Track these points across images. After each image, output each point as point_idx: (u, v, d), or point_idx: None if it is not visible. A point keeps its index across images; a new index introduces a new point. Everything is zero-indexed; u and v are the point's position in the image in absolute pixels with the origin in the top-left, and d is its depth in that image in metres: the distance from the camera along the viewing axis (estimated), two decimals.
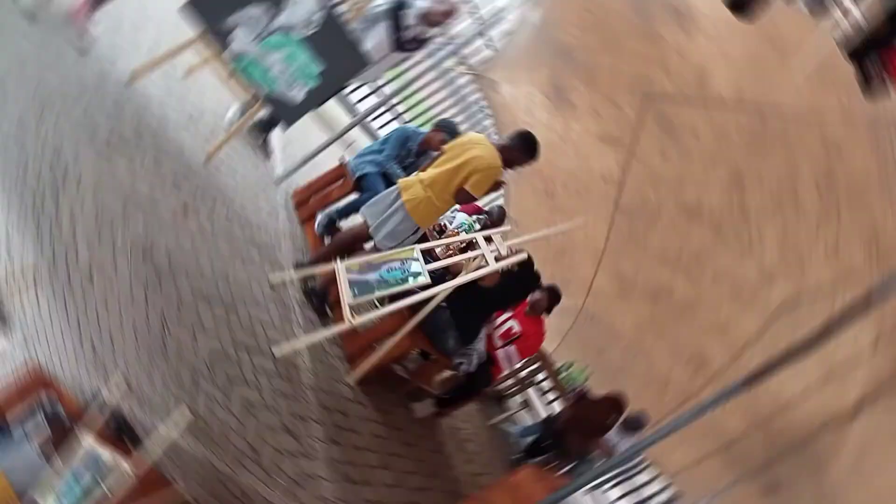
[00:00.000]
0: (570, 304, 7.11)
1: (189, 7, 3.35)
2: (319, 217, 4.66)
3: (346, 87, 4.63)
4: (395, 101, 7.65)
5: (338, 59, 3.75)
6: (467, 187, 3.69)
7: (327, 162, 5.00)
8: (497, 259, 3.50)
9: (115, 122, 3.06)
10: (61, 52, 3.02)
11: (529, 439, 6.88)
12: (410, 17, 4.35)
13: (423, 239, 3.80)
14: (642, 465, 7.71)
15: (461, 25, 6.08)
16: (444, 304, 3.69)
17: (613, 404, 6.12)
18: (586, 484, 3.13)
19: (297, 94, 3.73)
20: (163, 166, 3.22)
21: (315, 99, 3.81)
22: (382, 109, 7.67)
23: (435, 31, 4.51)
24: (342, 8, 4.12)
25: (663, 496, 7.43)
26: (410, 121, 8.99)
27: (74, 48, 3.08)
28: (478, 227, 5.20)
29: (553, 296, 4.83)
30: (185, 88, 4.07)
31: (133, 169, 2.94)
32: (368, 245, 4.12)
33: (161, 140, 3.35)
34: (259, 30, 3.48)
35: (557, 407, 8.36)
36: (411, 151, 4.74)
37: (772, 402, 3.70)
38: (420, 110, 9.18)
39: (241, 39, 3.47)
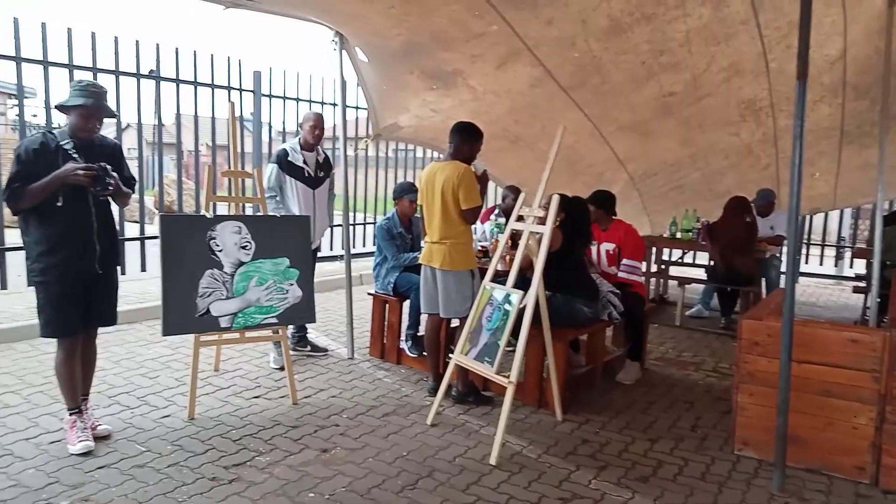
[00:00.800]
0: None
1: (169, 328, 3.46)
2: (403, 345, 4.68)
3: (316, 250, 4.70)
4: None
5: (288, 238, 3.83)
6: (463, 207, 3.68)
7: (365, 306, 5.04)
8: (542, 222, 3.44)
9: (220, 451, 3.12)
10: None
11: (713, 301, 6.66)
12: (297, 158, 4.44)
13: (483, 273, 3.77)
14: None
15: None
16: (548, 292, 3.62)
17: (737, 207, 5.91)
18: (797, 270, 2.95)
19: (294, 293, 3.79)
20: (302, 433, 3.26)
21: (308, 283, 3.87)
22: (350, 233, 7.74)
23: (319, 144, 4.58)
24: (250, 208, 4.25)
25: None
26: (375, 216, 9.12)
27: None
28: (502, 219, 5.17)
29: (602, 199, 4.72)
30: (232, 379, 4.15)
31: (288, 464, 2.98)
32: (455, 322, 4.10)
33: (264, 421, 3.40)
34: (222, 287, 3.57)
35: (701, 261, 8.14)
36: (402, 234, 4.77)
37: None
38: (371, 203, 9.30)
39: (220, 307, 3.56)
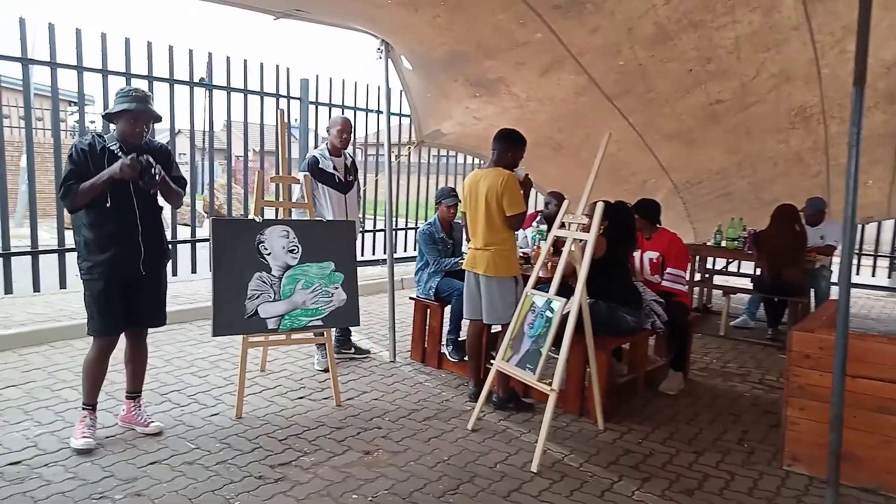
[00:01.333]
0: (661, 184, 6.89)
1: (219, 329, 3.56)
2: (444, 349, 4.70)
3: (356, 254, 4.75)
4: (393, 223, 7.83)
5: (334, 242, 3.90)
6: (508, 213, 3.69)
7: (407, 310, 5.10)
8: (586, 229, 3.43)
9: (266, 450, 3.19)
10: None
11: (759, 311, 6.51)
12: (327, 165, 4.49)
13: (525, 279, 3.77)
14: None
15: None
16: (591, 300, 3.60)
17: (785, 215, 5.77)
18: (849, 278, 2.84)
19: (339, 296, 3.86)
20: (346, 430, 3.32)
21: (352, 287, 3.94)
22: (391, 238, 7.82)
23: (346, 150, 4.63)
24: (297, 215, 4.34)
25: None
26: (417, 222, 9.18)
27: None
28: (544, 226, 5.16)
29: (646, 209, 4.66)
30: (277, 380, 4.24)
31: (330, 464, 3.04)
32: (496, 328, 4.11)
33: (321, 417, 3.48)
34: (269, 290, 3.66)
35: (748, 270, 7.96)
36: (443, 239, 4.80)
37: None
38: (413, 208, 9.38)
39: (267, 309, 3.64)
